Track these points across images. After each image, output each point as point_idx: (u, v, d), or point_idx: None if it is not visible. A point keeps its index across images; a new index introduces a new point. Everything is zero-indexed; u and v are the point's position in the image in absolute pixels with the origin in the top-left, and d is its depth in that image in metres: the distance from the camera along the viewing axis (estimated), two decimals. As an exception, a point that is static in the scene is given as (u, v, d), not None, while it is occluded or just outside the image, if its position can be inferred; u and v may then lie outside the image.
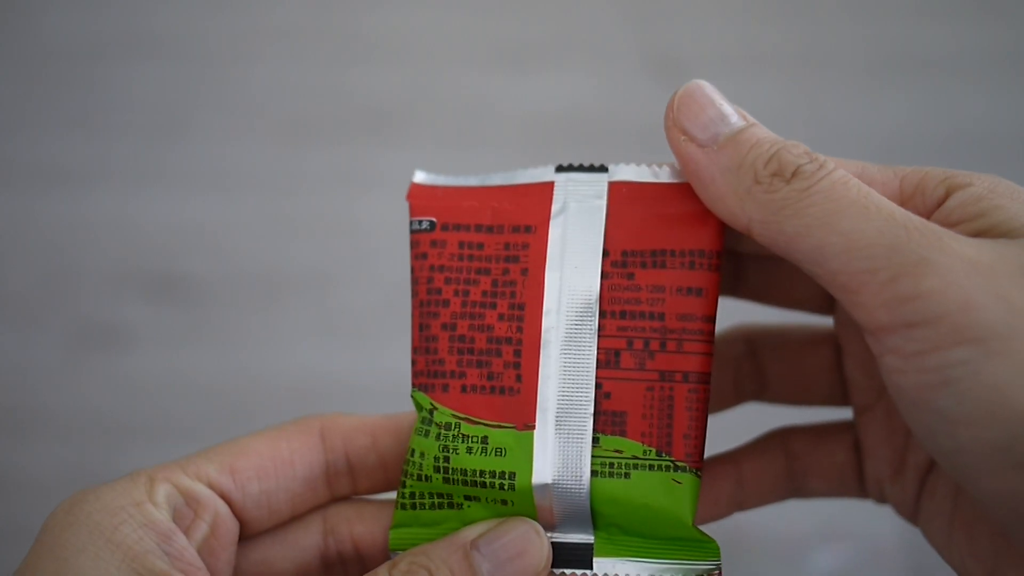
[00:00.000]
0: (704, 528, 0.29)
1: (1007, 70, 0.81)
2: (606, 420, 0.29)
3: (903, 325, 0.24)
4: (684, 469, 0.29)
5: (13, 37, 0.81)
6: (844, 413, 0.36)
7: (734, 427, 0.37)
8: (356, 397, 0.70)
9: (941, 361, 0.23)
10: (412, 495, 0.31)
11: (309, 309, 0.74)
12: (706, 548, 0.29)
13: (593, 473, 0.29)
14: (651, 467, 0.29)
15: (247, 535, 0.32)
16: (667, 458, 0.29)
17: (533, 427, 0.29)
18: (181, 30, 0.82)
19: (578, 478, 0.29)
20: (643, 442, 0.29)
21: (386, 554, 0.32)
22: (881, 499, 0.35)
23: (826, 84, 0.80)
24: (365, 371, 0.71)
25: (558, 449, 0.29)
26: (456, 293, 0.32)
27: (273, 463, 0.32)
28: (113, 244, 0.75)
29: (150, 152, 0.78)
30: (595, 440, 0.29)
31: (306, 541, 0.32)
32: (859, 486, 0.35)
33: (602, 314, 0.30)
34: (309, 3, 0.83)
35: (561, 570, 0.29)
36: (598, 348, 0.30)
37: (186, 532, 0.30)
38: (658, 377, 0.30)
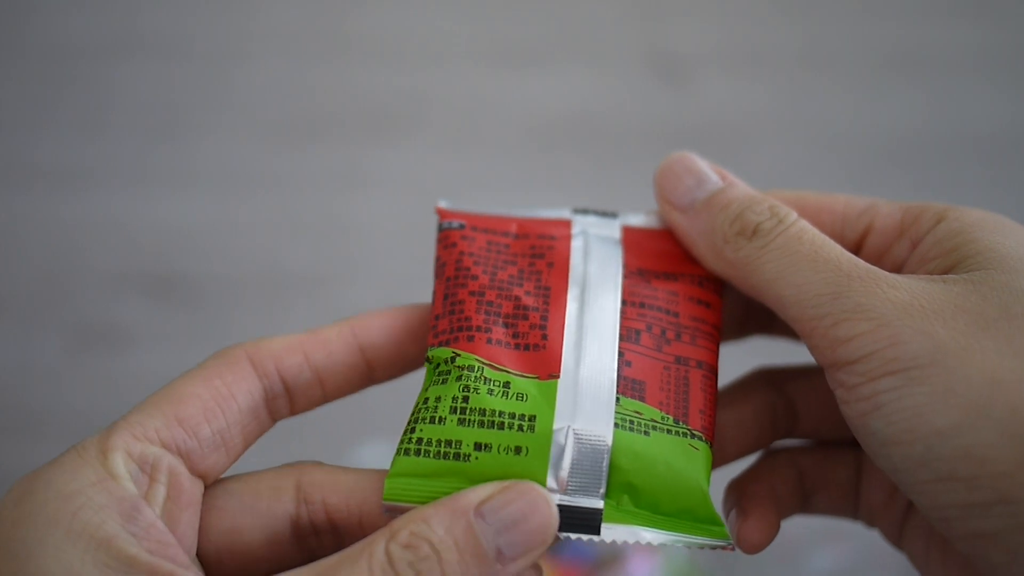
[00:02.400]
0: None
1: (1007, 70, 0.81)
2: (626, 384, 0.30)
3: (844, 362, 0.28)
4: (700, 438, 0.30)
5: (13, 38, 0.81)
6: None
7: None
8: (357, 397, 0.70)
9: (872, 390, 0.27)
10: (420, 440, 0.30)
11: (309, 309, 0.74)
12: (714, 530, 0.29)
13: (615, 425, 0.29)
14: (669, 431, 0.29)
15: (211, 483, 0.31)
16: (684, 426, 0.30)
17: (557, 376, 0.30)
18: (181, 31, 0.82)
19: (601, 426, 0.29)
20: (661, 409, 0.30)
21: (361, 526, 0.31)
22: (871, 523, 0.37)
23: (826, 84, 0.80)
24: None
25: (582, 398, 0.29)
26: (485, 272, 0.33)
27: (216, 401, 0.31)
28: (113, 244, 0.75)
29: (151, 152, 0.78)
30: (616, 399, 0.30)
31: (278, 510, 0.31)
32: (854, 507, 0.36)
33: (623, 302, 0.32)
34: (309, 4, 0.83)
35: (567, 534, 0.28)
36: (620, 325, 0.31)
37: (144, 499, 0.27)
38: (674, 360, 0.31)
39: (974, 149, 0.78)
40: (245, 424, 0.31)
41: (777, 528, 0.35)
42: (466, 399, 0.30)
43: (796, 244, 0.29)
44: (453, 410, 0.30)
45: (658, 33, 0.81)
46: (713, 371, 0.31)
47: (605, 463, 0.29)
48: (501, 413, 0.29)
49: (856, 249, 0.32)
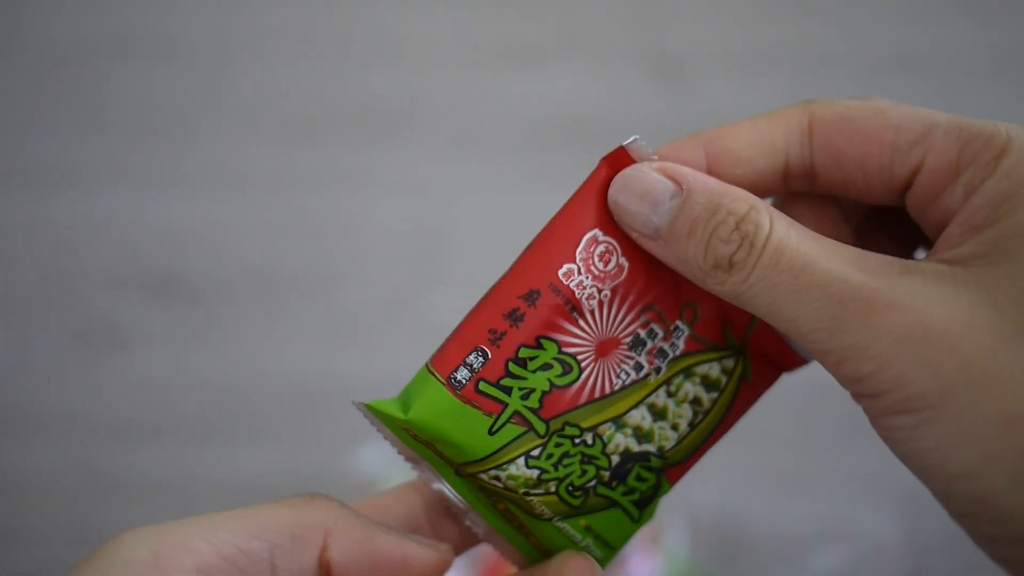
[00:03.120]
0: None
1: (1007, 70, 0.81)
2: None
3: (860, 396, 0.27)
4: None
5: (13, 38, 0.81)
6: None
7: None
8: (357, 397, 0.70)
9: (890, 424, 0.26)
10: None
11: (310, 309, 0.74)
12: None
13: None
14: None
15: None
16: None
17: None
18: (181, 31, 0.82)
19: None
20: None
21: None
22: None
23: (826, 84, 0.80)
24: (365, 371, 0.71)
25: None
26: None
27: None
28: (114, 244, 0.75)
29: (150, 152, 0.78)
30: None
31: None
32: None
33: None
34: (309, 4, 0.82)
35: None
36: None
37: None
38: None
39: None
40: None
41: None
42: None
43: (774, 274, 0.27)
44: None
45: (658, 33, 0.81)
46: None
47: None
48: None
49: (906, 187, 0.29)
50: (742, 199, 0.28)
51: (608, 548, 0.30)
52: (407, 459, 0.31)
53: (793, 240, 0.27)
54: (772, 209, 0.28)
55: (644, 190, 0.29)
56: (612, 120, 0.78)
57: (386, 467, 0.64)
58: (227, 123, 0.79)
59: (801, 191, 0.32)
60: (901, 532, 0.62)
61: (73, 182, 0.77)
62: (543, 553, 0.31)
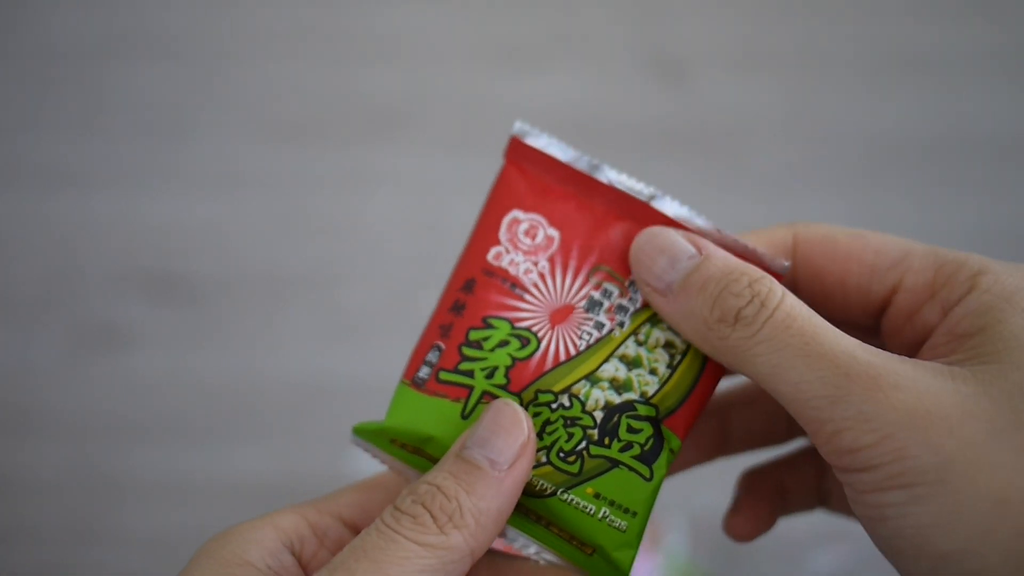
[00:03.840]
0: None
1: (1006, 70, 0.81)
2: None
3: (849, 469, 0.27)
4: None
5: (15, 38, 0.81)
6: None
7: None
8: (357, 397, 0.70)
9: (878, 500, 0.26)
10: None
11: (311, 309, 0.74)
12: None
13: None
14: None
15: None
16: None
17: None
18: (181, 31, 0.82)
19: None
20: None
21: None
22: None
23: (826, 84, 0.80)
24: (366, 371, 0.71)
25: None
26: None
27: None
28: (114, 244, 0.75)
29: (150, 152, 0.78)
30: None
31: None
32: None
33: None
34: (309, 4, 0.83)
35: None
36: None
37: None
38: None
39: (975, 150, 0.78)
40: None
41: (768, 523, 0.35)
42: None
43: (785, 335, 0.28)
44: None
45: (658, 33, 0.82)
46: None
47: None
48: None
49: (883, 306, 0.31)
50: (757, 270, 0.29)
51: (629, 514, 0.30)
52: (409, 480, 0.32)
53: (804, 311, 0.28)
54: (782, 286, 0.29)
55: (666, 246, 0.30)
56: (612, 120, 0.78)
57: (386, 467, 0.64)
58: (227, 123, 0.79)
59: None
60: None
61: (72, 182, 0.77)
62: (569, 540, 0.31)
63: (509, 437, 0.28)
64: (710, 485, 0.64)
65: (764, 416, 0.36)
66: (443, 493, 0.27)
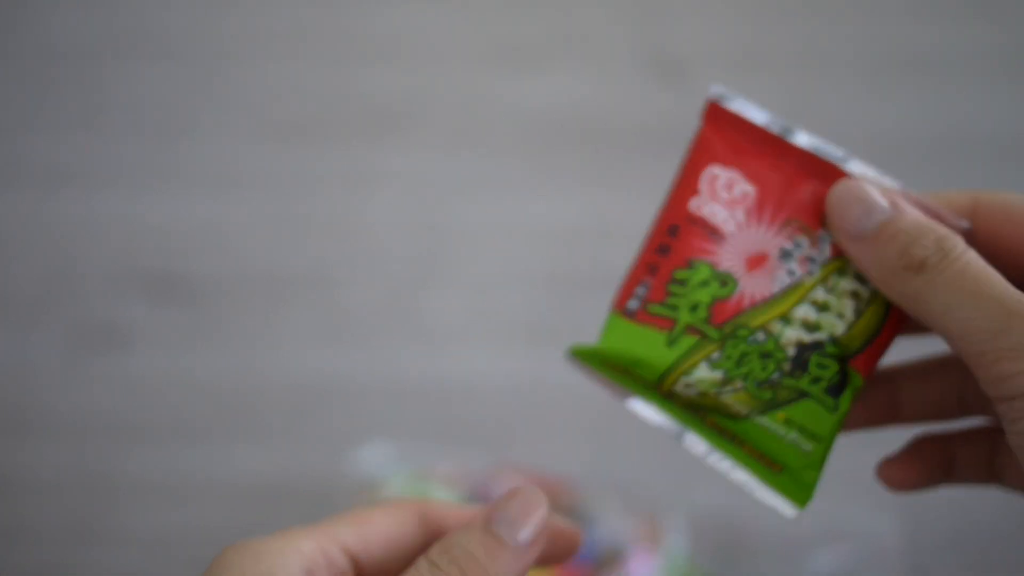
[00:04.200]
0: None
1: (1005, 70, 0.81)
2: None
3: (1004, 398, 0.30)
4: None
5: (15, 38, 0.81)
6: None
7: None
8: (357, 397, 0.70)
9: None
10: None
11: (311, 309, 0.74)
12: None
13: None
14: None
15: None
16: None
17: None
18: (181, 31, 0.82)
19: None
20: None
21: None
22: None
23: (826, 84, 0.80)
24: (366, 371, 0.71)
25: None
26: None
27: (394, 537, 0.35)
28: (114, 244, 0.75)
29: (150, 152, 0.78)
30: None
31: None
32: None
33: None
34: (311, 5, 0.83)
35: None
36: None
37: None
38: None
39: (975, 150, 0.78)
40: (402, 564, 0.35)
41: (922, 481, 0.38)
42: None
43: (960, 280, 0.31)
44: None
45: (658, 33, 0.82)
46: None
47: None
48: None
49: None
50: (943, 227, 0.32)
51: (815, 440, 0.33)
52: (617, 396, 0.35)
53: (981, 263, 0.31)
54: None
55: (863, 196, 0.33)
56: (612, 120, 0.78)
57: (386, 467, 0.64)
58: (227, 123, 0.79)
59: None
60: (901, 532, 0.62)
61: (72, 182, 0.77)
62: (759, 458, 0.34)
63: (534, 518, 0.32)
64: (710, 485, 0.64)
65: (937, 390, 0.39)
66: (476, 560, 0.31)
